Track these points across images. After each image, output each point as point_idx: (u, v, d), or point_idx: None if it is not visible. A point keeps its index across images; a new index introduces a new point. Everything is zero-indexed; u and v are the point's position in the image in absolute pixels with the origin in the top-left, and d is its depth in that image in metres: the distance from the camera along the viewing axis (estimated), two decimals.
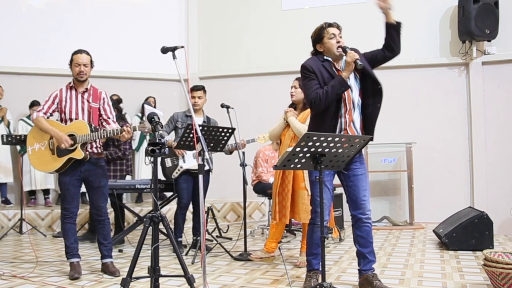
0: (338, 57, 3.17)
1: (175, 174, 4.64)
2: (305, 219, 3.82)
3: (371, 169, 6.23)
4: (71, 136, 3.60)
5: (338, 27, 3.20)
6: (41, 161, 3.72)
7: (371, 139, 3.00)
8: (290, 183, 3.95)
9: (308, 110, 3.83)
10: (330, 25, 3.18)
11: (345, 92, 3.09)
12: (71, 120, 3.68)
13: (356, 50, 3.07)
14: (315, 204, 3.18)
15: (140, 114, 7.12)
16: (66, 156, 3.58)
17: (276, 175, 4.09)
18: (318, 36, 3.19)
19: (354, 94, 3.13)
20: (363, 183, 3.22)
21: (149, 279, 2.72)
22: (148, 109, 2.91)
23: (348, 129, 3.13)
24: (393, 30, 3.07)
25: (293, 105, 4.12)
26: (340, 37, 3.18)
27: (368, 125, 3.17)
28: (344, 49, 3.08)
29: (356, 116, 3.14)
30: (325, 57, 3.19)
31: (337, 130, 3.13)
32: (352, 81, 3.14)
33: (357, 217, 3.18)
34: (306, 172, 3.81)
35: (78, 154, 3.56)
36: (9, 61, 6.72)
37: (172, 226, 4.35)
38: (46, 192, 6.65)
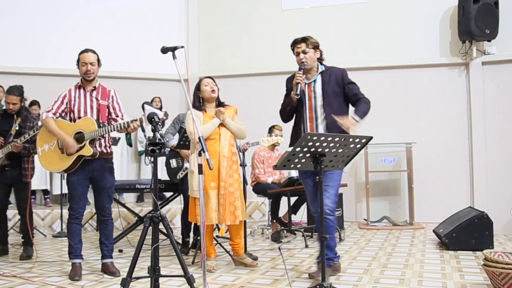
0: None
1: (180, 175, 4.64)
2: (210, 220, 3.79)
3: (371, 169, 6.24)
4: (79, 133, 3.58)
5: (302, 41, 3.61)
6: (51, 161, 3.68)
7: (371, 139, 3.00)
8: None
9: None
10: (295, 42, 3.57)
11: (308, 102, 3.46)
12: (79, 118, 3.66)
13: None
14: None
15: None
16: (76, 154, 3.55)
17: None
18: None
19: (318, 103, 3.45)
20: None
21: (149, 279, 2.72)
22: (148, 109, 2.90)
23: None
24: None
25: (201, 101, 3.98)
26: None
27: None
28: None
29: (320, 122, 3.44)
30: None
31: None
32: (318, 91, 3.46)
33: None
34: (223, 170, 3.78)
35: (87, 151, 3.52)
36: (9, 61, 6.72)
37: (172, 226, 4.34)
38: (45, 192, 6.65)
